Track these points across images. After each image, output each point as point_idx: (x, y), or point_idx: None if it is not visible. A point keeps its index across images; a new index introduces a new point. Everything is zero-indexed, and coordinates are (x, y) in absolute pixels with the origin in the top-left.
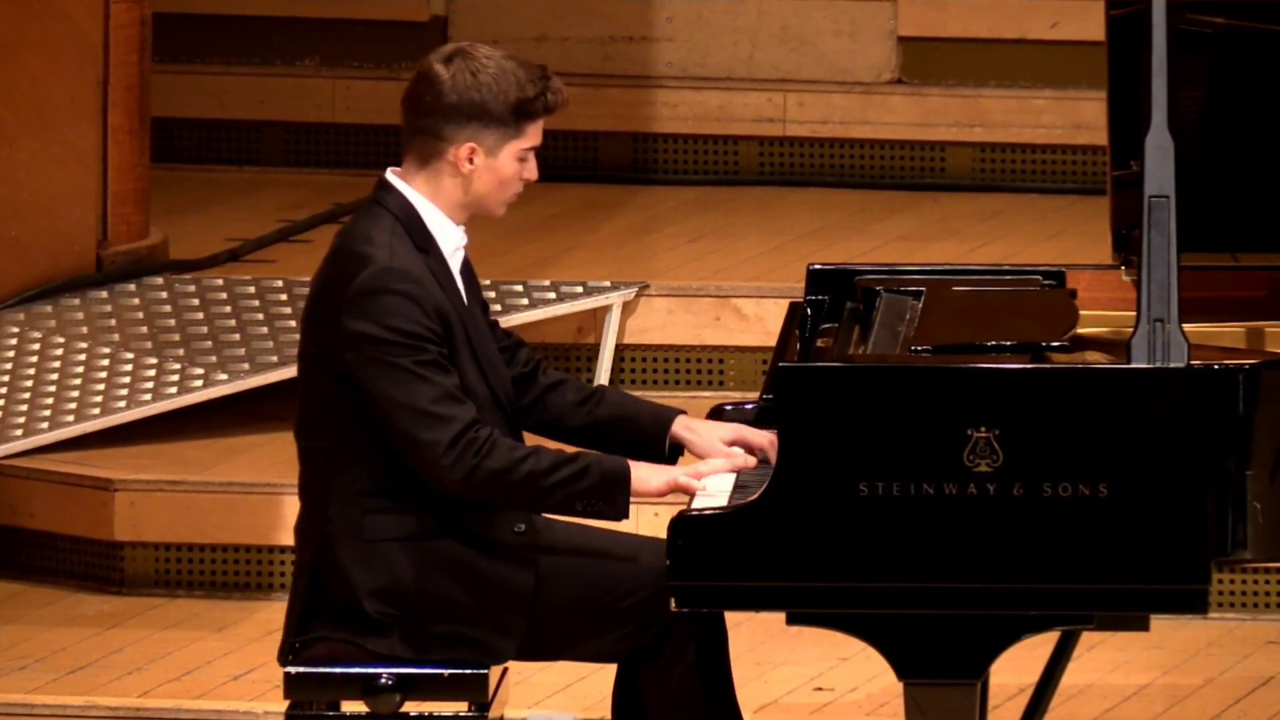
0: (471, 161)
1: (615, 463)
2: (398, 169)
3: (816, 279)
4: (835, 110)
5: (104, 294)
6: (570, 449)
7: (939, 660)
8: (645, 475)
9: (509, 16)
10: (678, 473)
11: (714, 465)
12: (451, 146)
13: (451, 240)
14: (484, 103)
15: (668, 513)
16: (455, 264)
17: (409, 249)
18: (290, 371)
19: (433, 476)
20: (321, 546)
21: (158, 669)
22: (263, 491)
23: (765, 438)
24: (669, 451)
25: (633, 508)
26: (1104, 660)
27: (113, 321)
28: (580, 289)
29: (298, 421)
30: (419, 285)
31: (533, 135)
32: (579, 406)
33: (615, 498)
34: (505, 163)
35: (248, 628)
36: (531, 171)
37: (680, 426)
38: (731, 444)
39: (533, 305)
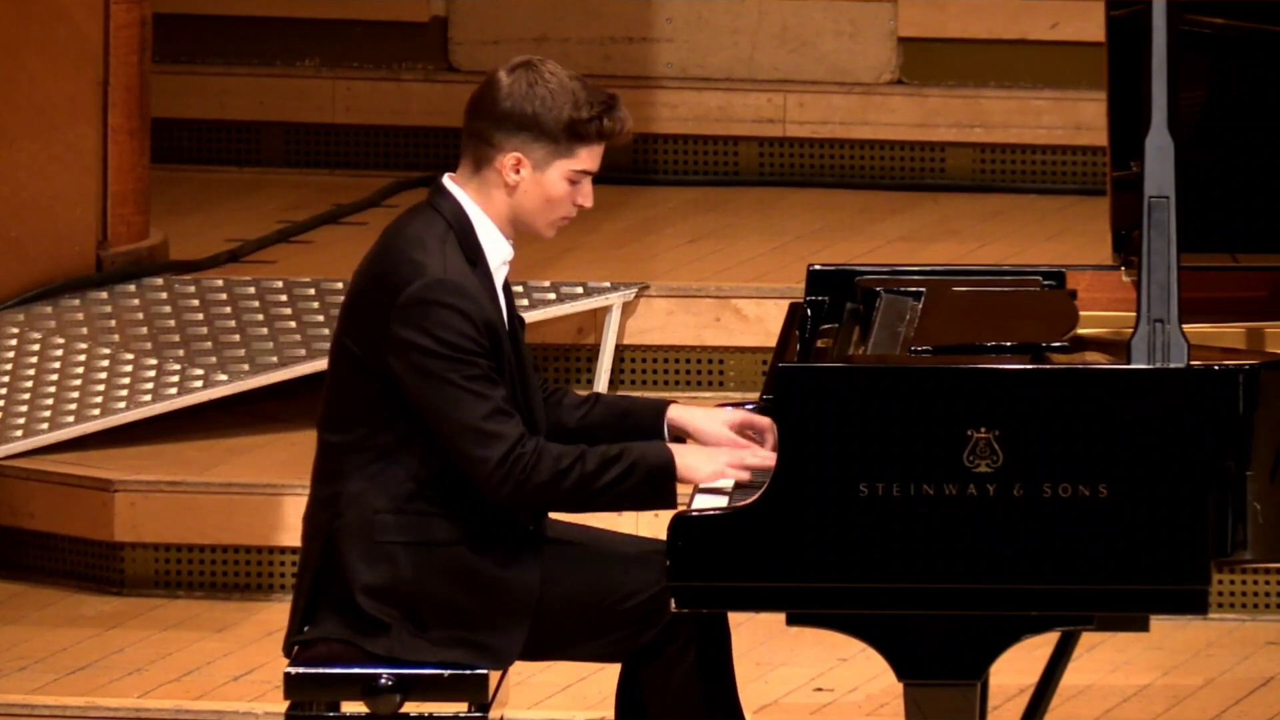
0: (517, 172)
1: (659, 455)
2: (454, 174)
3: (817, 279)
4: (835, 111)
5: (104, 294)
6: (614, 448)
7: (939, 661)
8: (693, 464)
9: (509, 17)
10: (724, 460)
11: (764, 456)
12: (499, 154)
13: (499, 254)
14: (535, 115)
15: (668, 513)
16: (499, 279)
17: (460, 260)
18: (290, 372)
19: (484, 490)
20: (329, 540)
21: (158, 670)
22: (263, 492)
23: (768, 421)
24: (672, 440)
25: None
26: (1104, 661)
27: (113, 322)
28: (580, 289)
29: (322, 413)
30: (471, 300)
31: (586, 159)
32: (574, 410)
33: (663, 490)
34: (553, 181)
35: (248, 628)
36: (586, 197)
37: (677, 414)
38: (737, 426)
39: (533, 306)
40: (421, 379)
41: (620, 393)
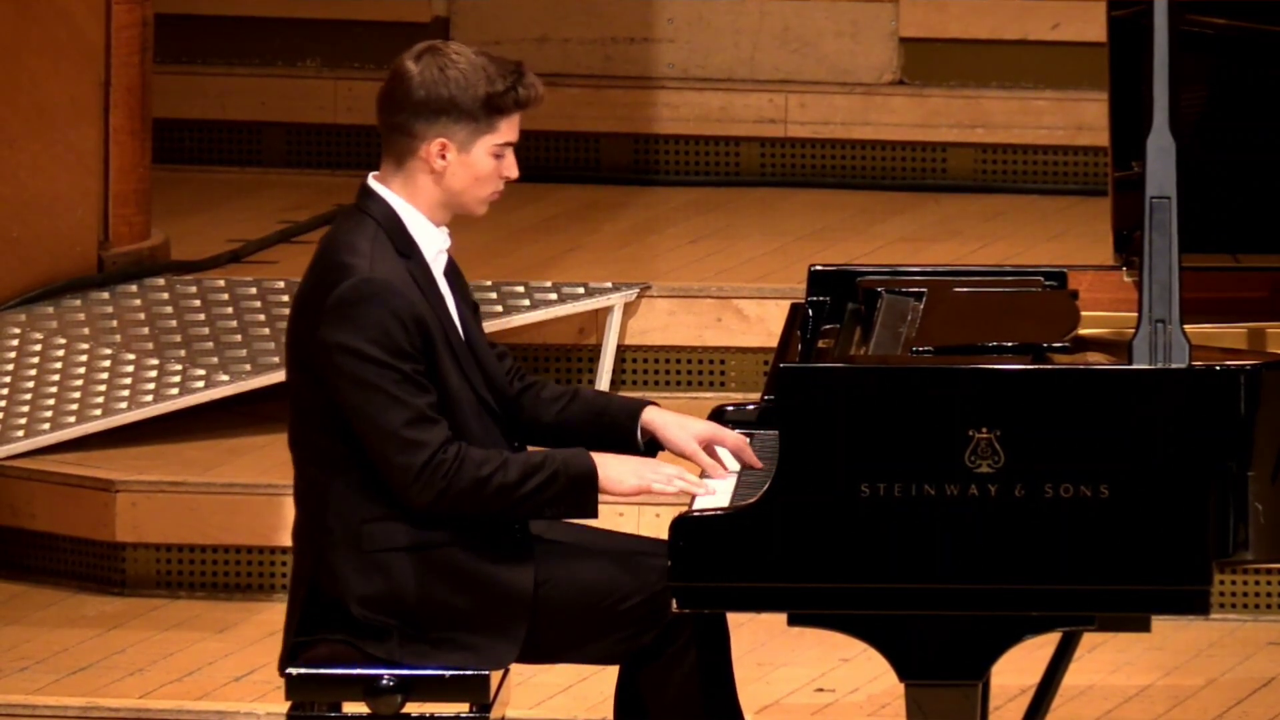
0: (443, 157)
1: (582, 464)
2: (377, 174)
3: (818, 280)
4: (836, 111)
5: (105, 295)
6: (537, 455)
7: (940, 661)
8: (616, 476)
9: (510, 17)
10: (650, 477)
11: (695, 480)
12: (423, 143)
13: (434, 244)
14: (452, 97)
15: (669, 513)
16: (438, 268)
17: (391, 256)
18: None
19: (405, 498)
20: (319, 556)
21: (159, 670)
22: (264, 492)
23: (737, 439)
24: (645, 443)
25: (633, 508)
26: (1105, 661)
27: (114, 322)
28: (582, 290)
29: (289, 431)
30: (399, 296)
31: (506, 131)
32: (552, 404)
33: (584, 500)
34: (479, 158)
35: (249, 629)
36: (510, 169)
37: (651, 417)
38: (704, 440)
39: (534, 306)
40: (347, 381)
41: (621, 393)
